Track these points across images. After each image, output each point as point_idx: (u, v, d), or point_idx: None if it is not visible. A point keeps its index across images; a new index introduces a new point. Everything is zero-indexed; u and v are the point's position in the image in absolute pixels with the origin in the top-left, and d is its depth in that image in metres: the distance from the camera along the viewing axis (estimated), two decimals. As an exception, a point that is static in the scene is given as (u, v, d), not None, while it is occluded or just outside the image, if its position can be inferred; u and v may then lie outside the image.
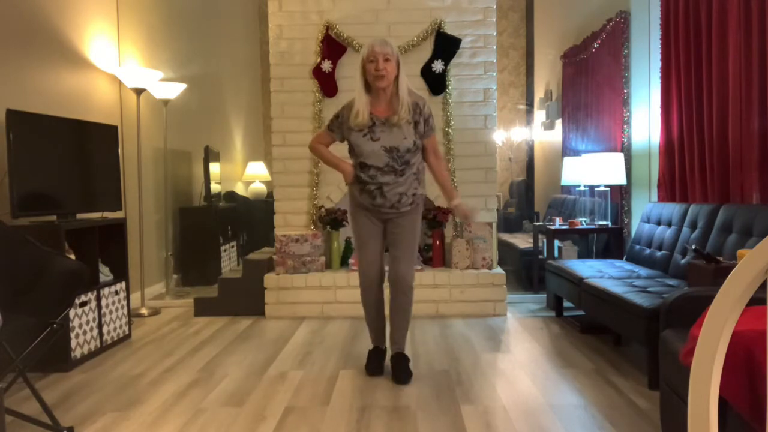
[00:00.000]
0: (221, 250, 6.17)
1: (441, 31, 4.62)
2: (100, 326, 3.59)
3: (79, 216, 3.70)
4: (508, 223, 7.23)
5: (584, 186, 5.15)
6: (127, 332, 3.93)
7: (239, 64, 8.33)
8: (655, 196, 4.43)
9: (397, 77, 2.89)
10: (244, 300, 4.59)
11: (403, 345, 3.10)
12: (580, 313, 4.21)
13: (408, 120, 2.89)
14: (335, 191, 4.69)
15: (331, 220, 4.59)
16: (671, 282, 3.42)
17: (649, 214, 4.21)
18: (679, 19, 3.96)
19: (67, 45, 4.15)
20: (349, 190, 3.08)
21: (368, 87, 2.91)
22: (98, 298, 3.60)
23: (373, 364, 3.12)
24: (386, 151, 2.89)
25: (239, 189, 8.12)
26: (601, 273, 3.77)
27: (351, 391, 2.86)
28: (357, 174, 2.96)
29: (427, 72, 4.64)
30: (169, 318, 4.58)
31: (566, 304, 4.41)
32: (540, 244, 5.29)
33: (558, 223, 5.03)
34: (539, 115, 7.90)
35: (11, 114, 3.15)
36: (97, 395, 2.88)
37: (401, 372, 3.00)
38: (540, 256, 5.24)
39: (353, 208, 3.08)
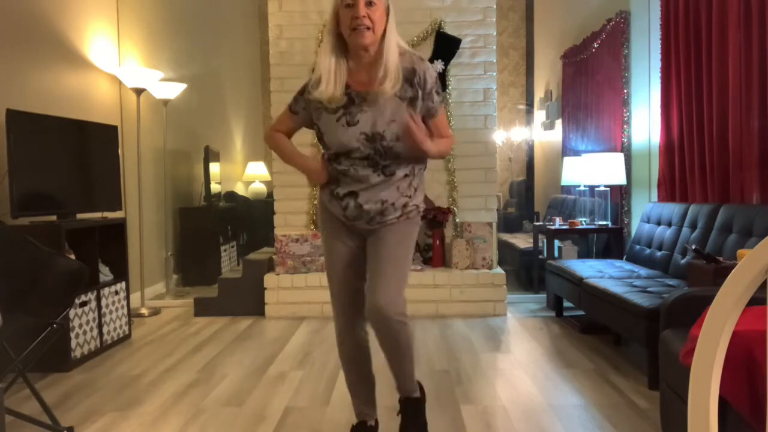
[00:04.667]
0: (221, 250, 6.17)
1: (441, 31, 4.62)
2: (100, 326, 3.59)
3: (79, 216, 3.70)
4: (508, 223, 7.23)
5: (584, 186, 5.15)
6: (127, 332, 3.93)
7: (239, 64, 8.33)
8: (655, 196, 4.43)
9: (384, 32, 1.95)
10: (244, 300, 4.59)
11: (412, 387, 2.22)
12: (580, 313, 4.21)
13: (398, 94, 1.98)
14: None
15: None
16: (671, 282, 3.42)
17: (649, 214, 4.21)
18: (679, 19, 3.96)
19: (67, 45, 4.15)
20: (318, 194, 2.20)
21: (344, 45, 2.00)
22: (98, 298, 3.60)
23: None
24: (367, 140, 1.98)
25: (239, 189, 8.12)
26: (601, 273, 3.77)
27: (351, 391, 2.86)
28: (329, 170, 2.09)
29: (427, 72, 4.64)
30: (169, 318, 4.58)
31: (566, 304, 4.41)
32: (540, 244, 5.29)
33: (558, 223, 5.03)
34: (539, 115, 7.90)
35: (11, 114, 3.15)
36: (97, 395, 2.88)
37: (413, 426, 2.20)
38: (540, 256, 5.24)
39: (324, 220, 2.18)
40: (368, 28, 1.90)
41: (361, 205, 2.04)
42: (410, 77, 1.98)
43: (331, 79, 1.96)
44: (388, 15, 1.97)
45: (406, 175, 2.06)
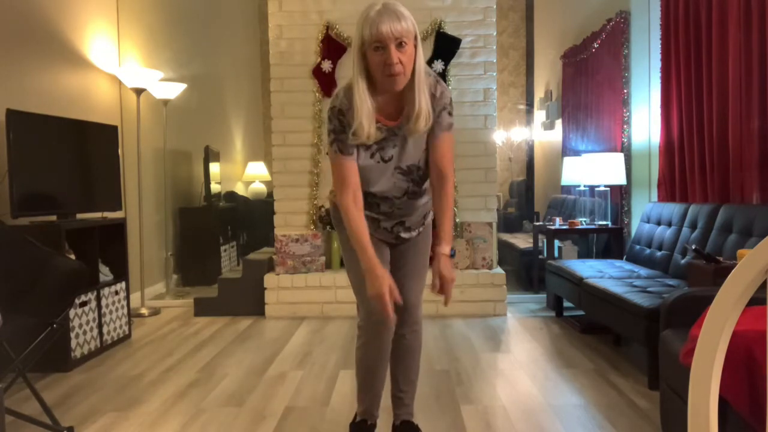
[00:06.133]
0: (221, 250, 6.17)
1: (441, 31, 4.62)
2: (100, 326, 3.59)
3: (79, 216, 3.70)
4: (508, 223, 7.23)
5: (584, 186, 5.15)
6: (127, 332, 3.93)
7: (239, 64, 8.33)
8: (655, 196, 4.43)
9: (413, 65, 1.86)
10: (244, 300, 4.59)
11: (413, 408, 2.25)
12: (580, 313, 4.21)
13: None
14: (335, 191, 4.68)
15: (331, 220, 4.59)
16: (671, 282, 3.42)
17: (649, 214, 4.21)
18: (679, 19, 3.96)
19: (67, 45, 4.15)
20: (335, 208, 2.16)
21: (368, 79, 1.88)
22: (98, 298, 3.60)
23: None
24: (404, 174, 2.00)
25: (239, 189, 8.12)
26: (601, 273, 3.77)
27: (351, 391, 2.86)
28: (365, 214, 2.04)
29: (427, 72, 4.64)
30: (169, 318, 4.58)
31: (566, 304, 4.41)
32: (540, 244, 5.29)
33: (558, 223, 5.03)
34: (539, 115, 7.90)
35: (11, 114, 3.15)
36: (97, 395, 2.88)
37: None
38: (540, 256, 5.24)
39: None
40: (400, 74, 1.81)
41: (410, 227, 2.13)
42: (433, 102, 1.94)
43: (366, 122, 1.86)
44: (416, 46, 1.85)
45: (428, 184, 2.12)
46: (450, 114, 1.99)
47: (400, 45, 1.79)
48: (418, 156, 1.98)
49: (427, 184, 2.09)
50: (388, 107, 1.93)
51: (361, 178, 1.97)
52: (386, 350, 2.12)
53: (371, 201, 2.05)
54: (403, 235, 2.13)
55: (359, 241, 1.93)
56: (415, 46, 1.85)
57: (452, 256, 2.05)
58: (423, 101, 1.87)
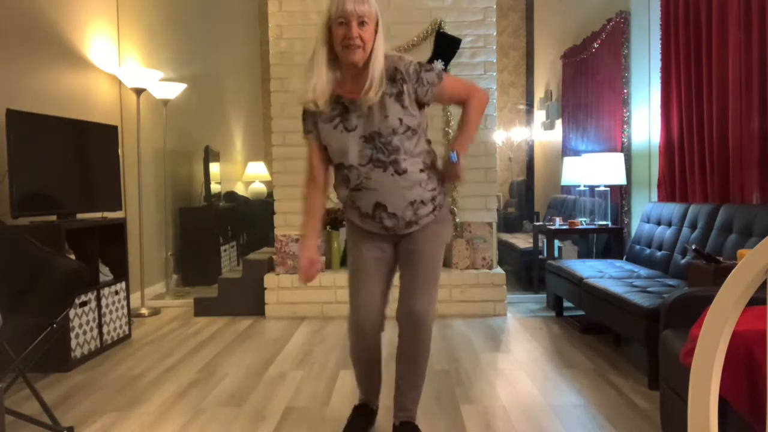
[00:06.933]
0: (221, 250, 6.17)
1: (441, 31, 4.62)
2: (100, 326, 3.59)
3: (79, 216, 3.70)
4: (508, 223, 7.23)
5: (584, 186, 5.15)
6: (127, 332, 3.93)
7: (239, 64, 8.33)
8: (655, 196, 4.43)
9: (373, 45, 2.03)
10: (244, 300, 4.59)
11: (415, 411, 2.25)
12: (580, 313, 4.21)
13: (388, 93, 2.05)
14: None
15: (331, 220, 4.59)
16: (671, 282, 3.42)
17: (649, 214, 4.21)
18: (679, 19, 3.96)
19: (67, 45, 4.15)
20: (345, 216, 2.29)
21: (334, 56, 2.07)
22: (98, 298, 3.60)
23: (357, 429, 2.31)
24: (366, 141, 2.07)
25: (239, 189, 8.12)
26: (601, 273, 3.77)
27: (351, 391, 2.86)
28: (342, 194, 2.20)
29: (427, 72, 4.63)
30: (169, 318, 4.58)
31: (566, 304, 4.41)
32: (540, 244, 5.29)
33: (558, 223, 5.03)
34: (539, 115, 7.90)
35: (11, 114, 3.15)
36: (97, 395, 2.88)
37: None
38: (540, 256, 5.24)
39: (353, 236, 2.25)
40: (360, 47, 2.00)
41: (395, 213, 2.11)
42: (392, 75, 2.07)
43: (320, 87, 2.06)
44: (377, 31, 2.04)
45: (421, 170, 2.13)
46: (429, 70, 2.10)
47: (361, 24, 1.99)
48: (379, 124, 2.06)
49: (405, 165, 2.08)
50: (351, 82, 2.08)
51: (331, 153, 2.14)
52: (371, 352, 2.25)
53: (344, 174, 2.15)
54: (387, 223, 2.13)
55: (305, 211, 2.23)
56: (376, 31, 2.04)
57: (453, 160, 2.11)
58: (376, 75, 2.02)
